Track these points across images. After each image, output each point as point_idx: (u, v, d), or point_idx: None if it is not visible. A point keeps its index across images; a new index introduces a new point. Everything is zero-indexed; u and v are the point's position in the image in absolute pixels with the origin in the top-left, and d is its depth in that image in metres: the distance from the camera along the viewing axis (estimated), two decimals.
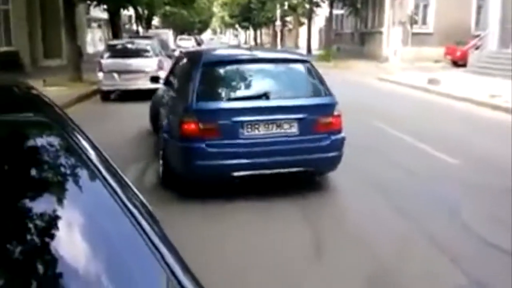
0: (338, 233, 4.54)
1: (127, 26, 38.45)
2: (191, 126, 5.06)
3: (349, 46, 36.44)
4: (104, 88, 13.20)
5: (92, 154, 1.54)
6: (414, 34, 26.12)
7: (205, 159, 5.06)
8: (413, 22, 26.18)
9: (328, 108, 5.44)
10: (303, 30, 49.65)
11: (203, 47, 62.81)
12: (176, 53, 25.92)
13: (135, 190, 1.60)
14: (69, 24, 16.18)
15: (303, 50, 42.93)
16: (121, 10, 23.92)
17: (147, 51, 13.83)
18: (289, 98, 5.41)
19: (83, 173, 1.45)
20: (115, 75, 12.95)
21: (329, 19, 36.02)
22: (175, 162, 5.41)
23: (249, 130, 5.13)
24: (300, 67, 5.88)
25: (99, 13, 28.11)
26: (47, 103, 1.98)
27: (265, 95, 5.31)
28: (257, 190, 5.40)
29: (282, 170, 5.29)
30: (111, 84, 13.06)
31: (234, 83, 5.58)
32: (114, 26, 23.00)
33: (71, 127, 1.69)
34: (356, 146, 7.89)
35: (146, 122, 9.75)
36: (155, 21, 46.87)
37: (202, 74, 5.32)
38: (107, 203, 1.34)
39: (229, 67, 5.66)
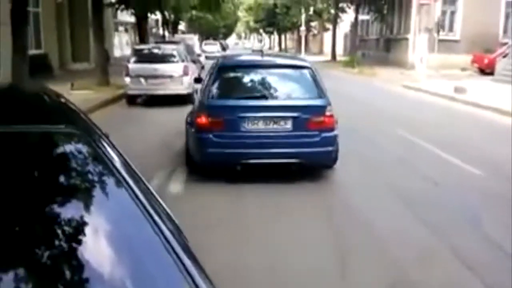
0: (361, 243, 4.54)
1: (153, 30, 38.96)
2: (202, 120, 6.10)
3: (374, 52, 36.19)
4: (131, 92, 13.40)
5: (118, 163, 1.61)
6: (440, 41, 25.79)
7: (212, 147, 6.03)
8: (439, 29, 25.87)
9: (320, 109, 6.19)
10: (328, 36, 49.49)
11: (228, 52, 63.39)
12: (201, 58, 26.47)
13: (159, 198, 1.65)
14: (97, 28, 16.50)
15: (327, 55, 42.81)
16: (148, 14, 24.26)
17: (173, 56, 14.00)
18: (285, 99, 6.29)
19: (109, 182, 1.51)
20: (142, 79, 13.15)
21: (355, 25, 35.85)
22: (192, 149, 6.46)
23: (250, 124, 6.03)
24: (300, 72, 6.60)
25: (127, 17, 28.57)
26: (75, 111, 2.08)
27: (265, 96, 6.29)
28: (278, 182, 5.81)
29: (278, 160, 6.14)
30: (138, 88, 13.26)
31: (241, 85, 6.58)
32: (141, 30, 23.35)
33: (99, 136, 1.77)
34: (380, 155, 7.89)
35: (172, 127, 9.88)
36: (181, 25, 47.38)
37: (216, 77, 6.39)
38: (131, 210, 1.39)
39: (238, 72, 6.71)
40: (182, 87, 13.43)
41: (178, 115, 11.63)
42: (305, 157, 6.09)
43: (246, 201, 5.59)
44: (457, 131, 10.13)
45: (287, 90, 6.45)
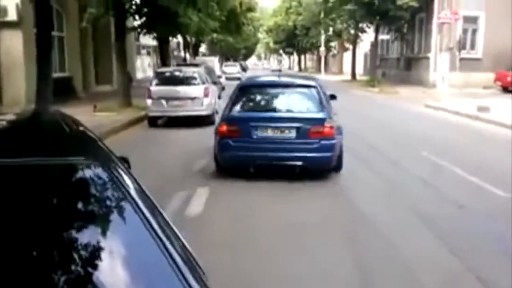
0: (384, 267, 4.45)
1: (175, 53, 39.58)
2: (223, 128, 7.35)
3: (395, 71, 36.05)
4: (152, 114, 13.56)
5: (133, 190, 1.67)
6: (462, 59, 25.62)
7: (230, 150, 7.29)
8: (461, 47, 25.69)
9: (320, 121, 7.23)
10: (347, 55, 49.56)
11: (248, 72, 63.92)
12: (222, 80, 26.73)
13: (171, 223, 1.69)
14: (120, 51, 16.82)
15: (347, 75, 42.80)
16: (170, 38, 24.66)
17: (194, 78, 14.16)
18: (290, 112, 7.47)
19: (124, 210, 1.58)
20: (163, 101, 13.30)
21: (375, 44, 35.83)
22: (216, 153, 7.68)
23: (260, 132, 7.24)
24: (307, 90, 7.75)
25: (149, 40, 29.11)
26: (93, 140, 2.13)
27: (274, 109, 7.59)
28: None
29: (284, 163, 7.29)
30: (159, 110, 13.41)
31: (255, 100, 7.87)
32: (163, 53, 23.72)
33: (115, 165, 1.82)
34: (403, 177, 7.77)
35: (192, 148, 9.94)
36: (202, 47, 48.01)
37: (237, 94, 7.71)
38: (143, 236, 1.46)
39: (254, 90, 8.10)
40: (203, 108, 13.55)
41: (199, 136, 11.75)
42: (307, 161, 7.17)
43: (261, 221, 5.55)
44: (482, 152, 9.95)
45: (293, 105, 7.66)
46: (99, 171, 1.68)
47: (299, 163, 7.18)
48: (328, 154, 7.17)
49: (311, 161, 7.18)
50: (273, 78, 8.59)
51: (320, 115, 7.30)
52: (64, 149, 1.87)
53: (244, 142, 7.24)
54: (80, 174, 1.71)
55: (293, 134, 7.21)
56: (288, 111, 7.51)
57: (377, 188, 7.07)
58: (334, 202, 6.45)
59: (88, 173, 1.69)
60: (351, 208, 6.21)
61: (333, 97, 9.06)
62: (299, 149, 7.15)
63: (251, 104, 7.80)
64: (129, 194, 1.61)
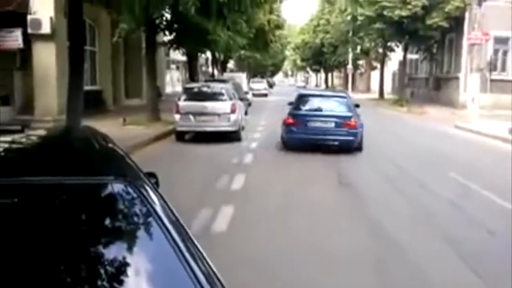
0: None
1: (203, 68, 40.05)
2: (289, 120, 11.95)
3: (423, 91, 35.66)
4: (180, 129, 13.69)
5: (159, 207, 1.71)
6: (493, 80, 25.19)
7: (293, 134, 11.83)
8: (491, 68, 25.28)
9: (348, 118, 11.68)
10: (375, 74, 49.32)
11: (274, 88, 64.20)
12: (249, 96, 26.91)
13: (195, 240, 1.73)
14: (150, 66, 17.11)
15: (375, 93, 42.53)
16: (199, 53, 24.99)
17: (221, 94, 14.28)
18: (331, 111, 11.90)
19: (150, 227, 1.63)
20: (191, 116, 13.43)
21: (403, 63, 35.58)
22: (283, 137, 12.28)
23: (312, 124, 11.75)
24: (340, 99, 12.69)
25: (178, 55, 29.54)
26: (122, 157, 2.17)
27: (320, 109, 12.08)
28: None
29: (327, 143, 11.57)
30: (187, 125, 13.54)
31: (308, 103, 12.51)
32: (192, 68, 24.03)
33: (143, 182, 1.87)
34: (431, 199, 7.64)
35: (218, 163, 9.99)
36: (230, 63, 48.48)
37: (296, 100, 12.73)
38: (168, 254, 1.51)
39: (308, 97, 13.11)
40: (229, 124, 13.63)
41: (225, 152, 11.82)
42: (340, 142, 11.54)
43: (287, 243, 5.51)
44: None
45: (332, 107, 12.16)
46: (128, 190, 1.72)
47: (336, 143, 11.59)
48: (352, 138, 11.58)
49: (343, 142, 11.57)
50: (319, 91, 14.01)
51: (348, 114, 11.84)
52: (94, 167, 1.93)
53: (301, 129, 11.74)
54: (109, 193, 1.76)
55: (332, 125, 11.71)
56: (329, 111, 11.98)
57: (404, 210, 6.97)
58: (360, 226, 6.36)
59: (116, 192, 1.73)
60: (377, 231, 6.12)
61: (357, 105, 13.11)
62: (335, 134, 11.59)
63: (306, 106, 12.45)
64: (156, 212, 1.66)
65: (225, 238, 5.56)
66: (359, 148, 11.74)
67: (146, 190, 1.76)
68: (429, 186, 8.55)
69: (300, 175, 9.39)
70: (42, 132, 2.82)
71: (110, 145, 2.36)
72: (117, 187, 1.74)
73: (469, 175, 9.15)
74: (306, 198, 7.43)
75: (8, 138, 2.43)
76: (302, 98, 12.80)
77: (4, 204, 1.59)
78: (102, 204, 1.75)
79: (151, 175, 2.71)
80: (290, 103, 13.09)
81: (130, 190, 1.72)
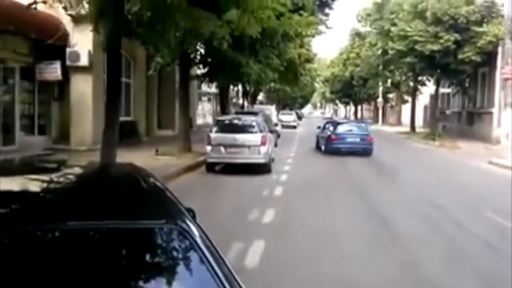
0: None
1: (234, 100, 40.53)
2: (332, 136, 19.74)
3: (456, 125, 35.14)
4: (211, 160, 13.82)
5: (203, 245, 1.76)
6: None
7: (334, 145, 19.44)
8: None
9: (367, 135, 19.93)
10: (406, 107, 48.93)
11: (303, 120, 64.38)
12: (278, 128, 27.09)
13: (234, 273, 1.77)
14: (184, 99, 17.44)
15: (406, 126, 42.10)
16: (231, 86, 25.36)
17: (252, 126, 14.41)
18: (357, 131, 20.19)
19: (195, 263, 1.69)
20: (222, 148, 13.56)
21: (435, 97, 35.24)
22: (321, 146, 20.61)
23: (345, 138, 19.57)
24: (361, 124, 22.61)
25: (209, 87, 30.03)
26: (168, 197, 2.20)
27: (350, 130, 20.26)
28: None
29: (355, 150, 19.17)
30: (218, 157, 13.66)
31: (342, 128, 20.41)
32: (223, 100, 24.36)
33: (188, 220, 1.91)
34: (466, 240, 7.40)
35: (249, 196, 9.99)
36: (260, 95, 48.95)
37: (333, 126, 20.89)
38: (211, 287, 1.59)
39: (341, 124, 21.69)
40: (259, 156, 13.69)
41: (254, 184, 11.83)
42: (363, 150, 19.05)
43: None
44: None
45: (357, 129, 20.34)
46: (178, 233, 1.77)
47: (360, 150, 18.84)
48: (370, 147, 19.27)
49: (364, 150, 19.01)
50: (347, 120, 28.56)
51: (367, 132, 20.14)
52: (145, 210, 1.96)
53: (338, 142, 19.22)
54: (161, 236, 1.80)
55: (358, 139, 19.63)
56: (356, 131, 19.95)
57: (437, 249, 6.80)
58: (395, 264, 6.23)
59: (168, 235, 1.78)
60: (412, 270, 5.99)
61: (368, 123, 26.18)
62: (360, 145, 19.36)
63: (340, 128, 20.09)
64: (204, 253, 1.71)
65: (258, 273, 5.52)
66: (370, 153, 19.32)
67: (193, 232, 1.79)
68: (464, 224, 8.34)
69: (330, 208, 9.31)
70: (82, 171, 2.81)
71: (154, 183, 2.39)
72: (168, 230, 1.78)
73: (505, 214, 8.86)
74: (338, 232, 7.34)
75: (48, 177, 2.43)
76: (336, 124, 21.10)
77: (58, 250, 1.63)
78: (154, 247, 1.78)
79: (189, 210, 2.75)
80: (318, 127, 22.91)
81: (180, 233, 1.76)
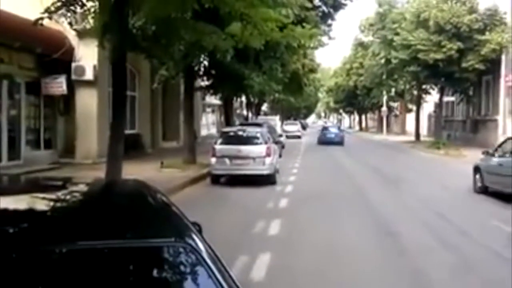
0: None
1: (237, 111, 40.62)
2: (321, 133, 38.14)
3: (460, 134, 35.08)
4: (215, 172, 13.83)
5: (209, 260, 1.78)
6: None
7: (320, 137, 36.95)
8: None
9: (339, 133, 37.04)
10: (410, 115, 48.89)
11: (307, 130, 64.52)
12: (282, 138, 27.14)
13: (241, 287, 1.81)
14: (188, 110, 17.52)
15: (410, 135, 42.04)
16: (234, 97, 25.46)
17: (257, 138, 14.43)
18: (334, 131, 38.03)
19: (201, 277, 1.72)
20: (226, 160, 13.57)
21: (439, 106, 35.24)
22: (317, 139, 37.09)
23: (326, 134, 36.44)
24: (336, 128, 42.05)
25: (213, 99, 30.16)
26: (176, 214, 2.21)
27: (330, 131, 38.00)
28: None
29: (331, 141, 34.30)
30: (222, 168, 13.67)
31: (326, 129, 39.31)
32: (227, 111, 24.45)
33: (195, 235, 1.94)
34: (473, 249, 7.34)
35: (253, 208, 9.99)
36: (264, 106, 49.06)
37: (322, 128, 41.93)
38: None
39: (327, 127, 42.31)
40: (264, 168, 13.69)
41: (261, 196, 11.82)
42: (336, 141, 33.85)
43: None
44: None
45: (334, 130, 38.55)
46: (187, 251, 1.78)
47: (334, 141, 34.00)
48: (341, 140, 34.52)
49: (337, 141, 33.92)
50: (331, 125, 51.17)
51: (339, 131, 38.47)
52: (154, 228, 1.96)
53: (323, 136, 35.72)
54: (170, 254, 1.81)
55: (333, 135, 35.65)
56: (334, 131, 37.70)
57: (444, 259, 6.76)
58: (402, 276, 6.20)
59: (177, 253, 1.80)
60: (422, 282, 5.96)
61: (342, 130, 42.67)
62: (334, 138, 34.76)
63: (325, 129, 38.86)
64: (211, 270, 1.73)
65: (265, 286, 5.51)
66: (342, 143, 33.21)
67: (201, 249, 1.81)
68: (470, 233, 8.29)
69: (337, 220, 9.28)
70: (89, 189, 2.81)
71: (161, 199, 2.41)
72: (177, 248, 1.79)
73: None
74: (345, 245, 7.31)
75: (55, 195, 2.42)
76: (324, 128, 39.49)
77: (68, 270, 1.63)
78: (163, 265, 1.80)
79: (195, 224, 2.76)
80: (320, 129, 40.85)
81: (188, 250, 1.78)
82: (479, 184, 12.57)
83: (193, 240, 1.85)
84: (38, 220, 1.99)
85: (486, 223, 9.11)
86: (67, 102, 16.87)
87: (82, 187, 2.86)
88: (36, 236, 1.76)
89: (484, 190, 12.19)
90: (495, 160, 12.05)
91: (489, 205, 11.15)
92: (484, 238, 7.88)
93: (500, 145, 13.20)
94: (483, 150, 14.03)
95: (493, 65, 28.37)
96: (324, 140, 34.11)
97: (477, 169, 12.93)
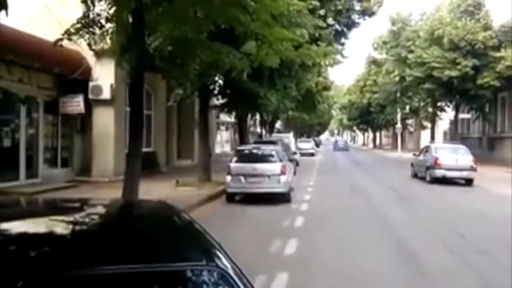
0: None
1: (251, 129, 40.75)
2: (334, 144, 67.59)
3: (476, 151, 34.59)
4: (231, 190, 13.83)
5: (237, 279, 1.80)
6: None
7: (334, 147, 65.09)
8: None
9: (346, 143, 72.15)
10: (425, 132, 48.53)
11: (321, 147, 65.02)
12: (297, 156, 27.06)
13: None
14: (203, 128, 17.62)
15: None
16: (249, 115, 25.56)
17: (272, 156, 14.45)
18: (342, 143, 68.28)
19: None
20: (242, 178, 13.58)
21: (455, 123, 35.02)
22: (332, 148, 62.09)
23: (337, 146, 65.84)
24: (345, 141, 77.39)
25: (227, 117, 30.31)
26: (203, 235, 2.21)
27: (340, 143, 68.22)
28: None
29: (340, 148, 62.02)
30: (238, 186, 13.67)
31: (336, 142, 71.89)
32: (241, 129, 24.52)
33: (227, 262, 1.94)
34: (494, 270, 7.22)
35: (269, 226, 9.94)
36: (278, 123, 49.14)
37: (334, 141, 75.91)
38: None
39: (337, 141, 74.72)
40: (279, 186, 13.67)
41: (276, 214, 11.77)
42: (344, 148, 61.98)
43: None
44: None
45: (342, 142, 68.97)
46: (216, 273, 1.79)
47: (343, 148, 62.07)
48: (347, 147, 65.50)
49: (345, 148, 62.89)
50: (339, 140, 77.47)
51: (346, 142, 72.66)
52: (184, 252, 1.96)
53: (335, 146, 65.08)
54: (199, 278, 1.80)
55: (342, 145, 64.49)
56: (342, 143, 68.08)
57: (468, 282, 6.66)
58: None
59: (207, 276, 1.79)
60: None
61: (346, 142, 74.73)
62: (343, 147, 62.75)
63: (336, 142, 70.83)
64: (238, 286, 1.75)
65: None
66: (347, 149, 60.71)
67: (231, 272, 1.82)
68: (491, 253, 8.17)
69: (353, 240, 9.20)
70: (114, 210, 2.76)
71: (187, 220, 2.40)
72: (208, 272, 1.79)
73: None
74: (362, 267, 7.24)
75: (77, 218, 2.39)
76: (336, 141, 72.55)
77: None
78: (190, 286, 1.80)
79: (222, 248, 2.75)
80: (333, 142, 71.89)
81: (219, 274, 1.78)
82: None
83: (223, 262, 1.85)
84: (61, 243, 1.95)
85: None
86: (84, 121, 17.09)
87: (105, 208, 2.82)
88: (60, 260, 1.72)
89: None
90: (419, 158, 22.14)
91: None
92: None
93: (422, 149, 23.24)
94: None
95: (508, 82, 28.20)
96: (336, 147, 62.06)
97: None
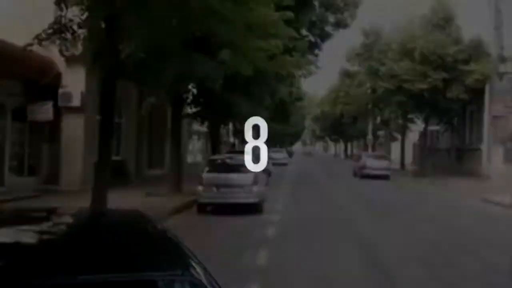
0: None
1: (224, 138, 40.60)
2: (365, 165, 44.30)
3: (445, 162, 35.37)
4: (202, 201, 13.68)
5: None
6: None
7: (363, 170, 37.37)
8: None
9: (313, 152, 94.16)
10: (395, 144, 49.30)
11: (294, 157, 64.74)
12: (270, 166, 27.06)
13: None
14: (175, 138, 17.43)
15: (395, 164, 42.32)
16: (222, 125, 25.46)
17: (244, 166, 14.36)
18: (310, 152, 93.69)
19: None
20: (214, 188, 13.45)
21: (424, 135, 35.60)
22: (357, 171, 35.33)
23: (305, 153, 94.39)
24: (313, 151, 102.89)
25: (200, 126, 30.05)
26: (177, 245, 2.14)
27: (310, 153, 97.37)
28: None
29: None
30: (210, 197, 13.53)
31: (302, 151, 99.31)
32: (214, 139, 24.39)
33: (201, 271, 1.89)
34: (467, 284, 7.28)
35: (241, 237, 9.87)
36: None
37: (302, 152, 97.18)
38: None
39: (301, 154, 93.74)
40: (252, 196, 13.60)
41: (248, 224, 11.68)
42: (311, 154, 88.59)
43: None
44: None
45: (311, 151, 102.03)
46: (191, 282, 1.76)
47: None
48: (312, 154, 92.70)
49: (312, 154, 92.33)
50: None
51: (312, 151, 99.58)
52: (160, 261, 1.91)
53: (304, 154, 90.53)
54: (174, 287, 1.79)
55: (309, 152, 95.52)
56: (311, 151, 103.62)
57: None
58: None
59: (181, 285, 1.77)
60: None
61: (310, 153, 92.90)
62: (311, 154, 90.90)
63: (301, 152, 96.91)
64: None
65: None
66: (312, 155, 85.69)
67: (205, 282, 1.78)
68: (463, 267, 8.25)
69: (327, 251, 9.18)
70: (85, 219, 2.71)
71: (162, 229, 2.35)
72: (182, 282, 1.76)
73: (506, 256, 8.79)
74: (338, 278, 7.20)
75: (48, 227, 2.34)
76: (304, 151, 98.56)
77: None
78: None
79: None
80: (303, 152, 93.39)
81: (193, 284, 1.75)
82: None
83: (197, 272, 1.82)
84: (31, 253, 1.92)
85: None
86: (53, 128, 16.68)
87: (78, 217, 2.77)
88: (33, 269, 1.69)
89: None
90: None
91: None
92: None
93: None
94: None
95: (477, 95, 28.87)
96: (304, 153, 79.43)
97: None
